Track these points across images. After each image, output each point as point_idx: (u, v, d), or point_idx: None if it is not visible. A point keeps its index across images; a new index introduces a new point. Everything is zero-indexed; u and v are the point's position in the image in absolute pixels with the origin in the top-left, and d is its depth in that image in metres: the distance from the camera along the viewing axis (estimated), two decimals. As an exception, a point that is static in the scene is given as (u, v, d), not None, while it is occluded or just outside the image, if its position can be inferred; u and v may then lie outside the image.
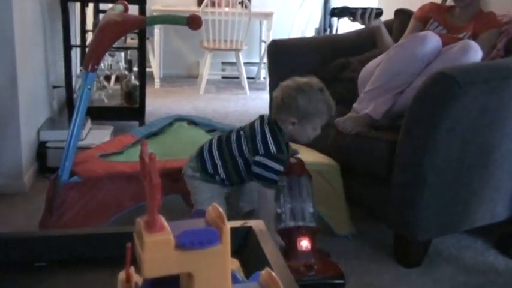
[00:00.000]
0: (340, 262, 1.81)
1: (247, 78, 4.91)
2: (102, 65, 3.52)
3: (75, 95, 3.19)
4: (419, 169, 1.83)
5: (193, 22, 1.81)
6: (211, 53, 4.77)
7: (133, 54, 3.61)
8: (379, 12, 2.37)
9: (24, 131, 2.47)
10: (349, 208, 2.17)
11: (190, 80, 5.31)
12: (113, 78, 4.45)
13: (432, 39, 2.12)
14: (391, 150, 1.94)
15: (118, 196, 1.90)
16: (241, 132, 1.78)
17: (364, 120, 2.15)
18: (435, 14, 2.44)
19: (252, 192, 1.82)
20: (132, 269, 0.71)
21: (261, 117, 1.78)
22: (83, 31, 3.76)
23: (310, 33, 5.43)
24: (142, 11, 3.12)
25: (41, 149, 2.68)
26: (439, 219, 1.93)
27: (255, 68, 5.46)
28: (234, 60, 5.07)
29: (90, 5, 3.86)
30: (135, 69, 3.46)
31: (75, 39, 3.59)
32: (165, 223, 0.63)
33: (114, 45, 2.85)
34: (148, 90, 3.51)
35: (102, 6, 3.77)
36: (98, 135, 2.85)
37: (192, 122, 2.53)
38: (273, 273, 0.70)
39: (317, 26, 5.33)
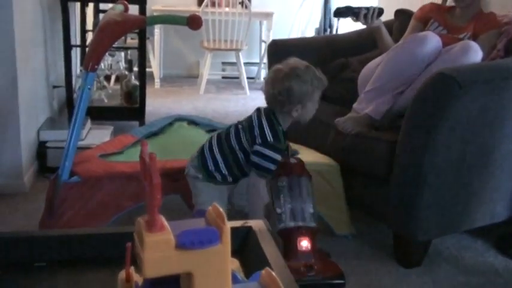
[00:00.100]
0: (340, 262, 1.81)
1: (248, 78, 4.91)
2: (102, 64, 3.52)
3: (75, 95, 3.19)
4: (419, 169, 1.83)
5: (194, 22, 1.81)
6: (212, 53, 4.77)
7: (133, 54, 3.61)
8: (380, 12, 2.37)
9: (24, 130, 2.48)
10: (349, 208, 2.17)
11: (190, 80, 5.31)
12: (113, 78, 4.45)
13: (432, 40, 2.12)
14: (391, 150, 1.94)
15: (118, 196, 1.90)
16: (239, 126, 1.80)
17: (364, 120, 2.15)
18: (435, 14, 2.44)
19: (259, 191, 1.82)
20: (132, 269, 0.71)
21: (258, 109, 1.80)
22: (83, 31, 3.76)
23: (310, 33, 5.43)
24: (142, 10, 3.12)
25: (41, 149, 2.68)
26: (439, 219, 1.93)
27: (255, 68, 5.46)
28: (234, 60, 5.07)
29: (91, 5, 3.86)
30: (135, 69, 3.46)
31: (75, 39, 3.59)
32: (165, 223, 0.63)
33: (114, 45, 2.85)
34: (149, 90, 3.51)
35: (102, 6, 3.77)
36: (98, 135, 2.85)
37: (192, 122, 2.53)
38: (273, 273, 0.70)
39: (317, 26, 5.33)
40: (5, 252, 0.88)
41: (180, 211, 1.94)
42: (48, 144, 2.69)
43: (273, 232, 0.93)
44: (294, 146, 2.08)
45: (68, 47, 3.10)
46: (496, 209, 2.06)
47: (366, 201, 2.17)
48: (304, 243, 1.75)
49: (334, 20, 5.23)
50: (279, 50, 2.65)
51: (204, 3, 4.64)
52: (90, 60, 1.86)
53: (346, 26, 4.89)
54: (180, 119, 2.54)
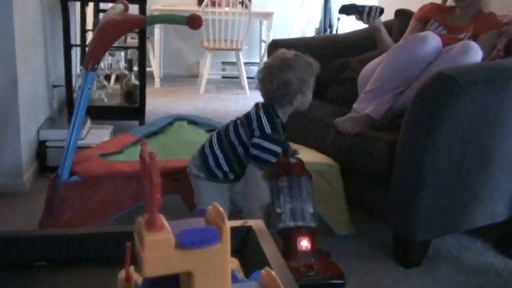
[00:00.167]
0: (340, 262, 1.81)
1: (248, 78, 4.91)
2: (102, 64, 3.52)
3: (75, 95, 3.19)
4: (419, 169, 1.83)
5: (194, 22, 1.81)
6: (212, 52, 4.77)
7: (133, 54, 3.61)
8: (381, 12, 2.38)
9: (24, 130, 2.48)
10: (349, 208, 2.17)
11: (190, 79, 5.31)
12: (113, 77, 4.45)
13: (432, 40, 2.12)
14: (391, 150, 1.94)
15: (118, 195, 1.90)
16: (238, 121, 1.81)
17: (364, 120, 2.15)
18: (435, 14, 2.44)
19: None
20: (132, 268, 0.71)
21: (256, 105, 1.81)
22: (83, 30, 3.76)
23: (310, 33, 5.43)
24: (142, 10, 3.12)
25: (41, 149, 2.68)
26: (438, 220, 1.93)
27: (255, 68, 5.46)
28: (234, 60, 5.07)
29: (91, 5, 3.87)
30: (135, 68, 3.46)
31: (75, 38, 3.59)
32: (165, 222, 0.63)
33: (114, 45, 2.86)
34: (148, 90, 3.51)
35: (102, 5, 3.77)
36: (98, 135, 2.85)
37: (192, 121, 2.54)
38: (273, 273, 0.70)
39: (317, 26, 5.33)
40: (5, 252, 0.88)
41: (180, 211, 1.94)
42: (48, 144, 2.69)
43: (272, 232, 0.93)
44: (294, 146, 2.08)
45: (68, 47, 3.10)
46: (496, 209, 2.06)
47: (366, 201, 2.17)
48: (304, 243, 1.75)
49: (334, 20, 5.23)
50: (279, 50, 2.65)
51: (204, 3, 4.64)
52: (90, 60, 1.86)
53: (346, 26, 4.90)
54: (180, 118, 2.54)
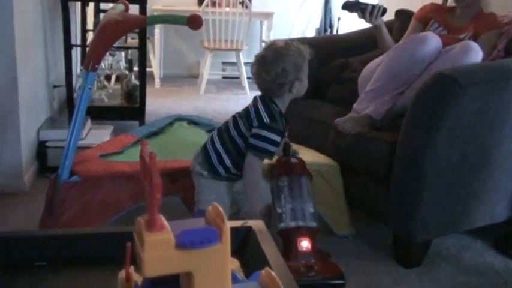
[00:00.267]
0: (340, 262, 1.81)
1: (248, 78, 4.90)
2: (102, 64, 3.52)
3: (75, 95, 3.19)
4: (420, 169, 1.83)
5: (194, 22, 1.81)
6: (212, 52, 4.78)
7: (133, 54, 3.61)
8: (383, 11, 2.38)
9: (24, 130, 2.48)
10: (349, 208, 2.17)
11: (191, 79, 5.31)
12: (113, 77, 4.45)
13: (432, 40, 2.12)
14: (391, 151, 1.94)
15: (118, 196, 1.90)
16: (237, 115, 1.81)
17: (364, 120, 2.15)
18: (436, 14, 2.44)
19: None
20: (132, 269, 0.71)
21: (255, 98, 1.81)
22: (84, 30, 3.76)
23: (310, 33, 5.43)
24: (142, 10, 3.12)
25: (41, 149, 2.68)
26: (438, 220, 1.93)
27: (255, 68, 5.45)
28: (234, 60, 5.07)
29: (91, 5, 3.86)
30: (136, 68, 3.46)
31: (76, 38, 3.59)
32: (165, 222, 0.63)
33: (114, 45, 2.85)
34: (149, 90, 3.51)
35: (102, 5, 3.77)
36: (98, 135, 2.85)
37: (192, 121, 2.54)
38: (273, 273, 0.70)
39: (317, 26, 5.33)
40: (5, 252, 0.88)
41: (180, 212, 1.94)
42: (48, 144, 2.69)
43: (272, 232, 0.93)
44: (294, 146, 2.08)
45: (68, 47, 3.10)
46: (496, 209, 2.06)
47: (365, 201, 2.17)
48: (305, 244, 1.75)
49: (335, 20, 5.23)
50: (279, 50, 2.65)
51: (204, 3, 4.64)
52: (91, 60, 1.86)
53: (346, 26, 4.90)
54: (180, 118, 2.54)
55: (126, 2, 2.04)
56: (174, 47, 5.41)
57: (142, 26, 2.85)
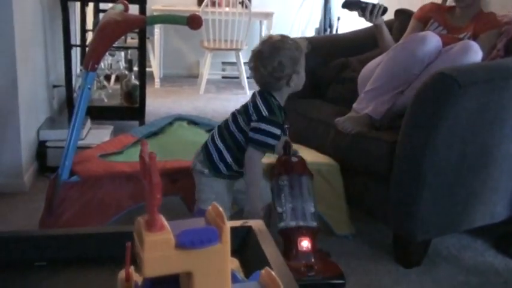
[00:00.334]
0: (340, 262, 1.81)
1: (247, 78, 4.90)
2: (102, 64, 3.52)
3: (75, 95, 3.19)
4: (419, 169, 1.83)
5: (194, 22, 1.81)
6: (212, 52, 4.77)
7: (133, 54, 3.61)
8: (384, 10, 2.38)
9: (24, 130, 2.47)
10: (349, 208, 2.17)
11: (190, 79, 5.31)
12: (113, 77, 4.45)
13: (432, 40, 2.12)
14: (391, 150, 1.94)
15: (118, 196, 1.90)
16: (236, 111, 1.81)
17: (364, 120, 2.15)
18: (435, 14, 2.44)
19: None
20: (132, 269, 0.71)
21: (253, 93, 1.81)
22: (83, 30, 3.76)
23: (310, 33, 5.43)
24: (142, 10, 3.12)
25: (41, 149, 2.68)
26: (438, 219, 1.93)
27: (255, 68, 5.45)
28: (234, 60, 5.07)
29: (91, 5, 3.86)
30: (135, 68, 3.46)
31: (76, 38, 3.59)
32: (165, 222, 0.63)
33: (114, 45, 2.85)
34: (148, 90, 3.51)
35: (102, 5, 3.77)
36: (98, 135, 2.85)
37: (192, 121, 2.54)
38: (273, 273, 0.70)
39: (317, 25, 5.33)
40: (5, 252, 0.88)
41: (180, 212, 1.94)
42: (48, 144, 2.69)
43: (273, 231, 0.93)
44: (294, 145, 2.08)
45: (68, 47, 3.10)
46: (495, 208, 2.06)
47: (365, 201, 2.17)
48: (305, 244, 1.75)
49: (334, 20, 5.23)
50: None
51: (204, 3, 4.64)
52: (90, 60, 1.86)
53: (346, 25, 4.90)
54: (180, 118, 2.54)
55: (126, 2, 2.04)
56: (173, 47, 5.41)
57: (141, 26, 2.84)
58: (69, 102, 3.15)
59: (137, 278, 0.72)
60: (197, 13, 1.88)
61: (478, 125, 1.87)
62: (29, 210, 2.24)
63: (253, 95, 1.79)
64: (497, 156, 1.96)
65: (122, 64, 3.69)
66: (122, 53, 3.72)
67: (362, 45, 2.74)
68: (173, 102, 4.37)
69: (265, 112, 1.71)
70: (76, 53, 3.59)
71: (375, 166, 2.02)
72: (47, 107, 3.05)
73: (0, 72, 2.35)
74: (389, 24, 2.68)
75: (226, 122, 1.82)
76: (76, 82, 3.33)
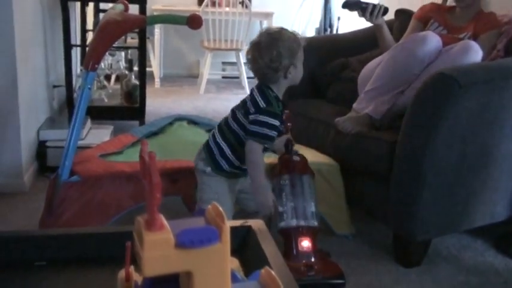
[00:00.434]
0: (340, 262, 1.81)
1: (248, 78, 4.91)
2: (102, 64, 3.52)
3: (75, 95, 3.19)
4: (419, 169, 1.83)
5: (194, 22, 1.81)
6: (212, 52, 4.78)
7: (133, 54, 3.61)
8: (385, 11, 2.38)
9: (24, 130, 2.48)
10: (349, 208, 2.17)
11: (191, 79, 5.31)
12: (113, 77, 4.45)
13: (432, 40, 2.12)
14: (391, 150, 1.94)
15: (118, 196, 1.90)
16: (234, 108, 1.81)
17: (364, 120, 2.15)
18: (435, 14, 2.44)
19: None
20: (131, 268, 0.72)
21: (251, 89, 1.81)
22: (83, 30, 3.76)
23: (310, 33, 5.43)
24: (142, 10, 3.12)
25: (41, 149, 2.68)
26: (438, 219, 1.93)
27: (255, 68, 5.45)
28: (234, 60, 5.08)
29: (91, 4, 3.87)
30: (136, 68, 3.46)
31: (76, 38, 3.59)
32: (165, 222, 0.63)
33: (114, 45, 2.85)
34: (149, 90, 3.51)
35: (102, 5, 3.77)
36: (98, 135, 2.85)
37: (192, 121, 2.54)
38: (273, 273, 0.70)
39: (317, 25, 5.33)
40: (5, 252, 0.88)
41: (180, 211, 1.94)
42: (48, 144, 2.69)
43: (273, 231, 0.93)
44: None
45: (68, 47, 3.10)
46: (495, 208, 2.06)
47: (365, 200, 2.17)
48: (305, 244, 1.75)
49: (335, 20, 5.23)
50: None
51: (204, 3, 4.64)
52: (91, 60, 1.86)
53: (346, 25, 4.90)
54: (180, 118, 2.54)
55: (126, 1, 2.04)
56: (174, 47, 5.41)
57: (142, 26, 2.84)
58: (69, 102, 3.15)
59: (137, 278, 0.72)
60: (197, 13, 1.88)
61: (478, 125, 1.88)
62: (29, 210, 2.24)
63: (251, 90, 1.80)
64: (497, 156, 1.96)
65: (122, 64, 3.70)
66: (122, 53, 3.73)
67: (362, 45, 2.74)
68: (173, 102, 4.37)
69: (262, 104, 1.71)
70: (76, 53, 3.60)
71: (375, 166, 2.02)
72: (47, 107, 3.05)
73: (0, 72, 2.35)
74: (389, 24, 2.68)
75: (226, 119, 1.82)
76: (76, 82, 3.33)
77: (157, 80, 4.94)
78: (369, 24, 2.50)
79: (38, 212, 1.96)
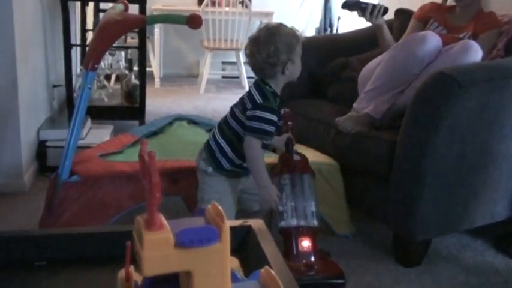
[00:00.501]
0: (340, 262, 1.81)
1: (248, 77, 4.91)
2: (102, 64, 3.52)
3: (75, 94, 3.19)
4: (419, 169, 1.83)
5: (194, 21, 1.81)
6: (212, 52, 4.77)
7: (133, 54, 3.61)
8: (385, 11, 2.38)
9: (24, 130, 2.48)
10: (349, 207, 2.17)
11: (191, 79, 5.31)
12: (113, 77, 4.45)
13: (432, 39, 2.12)
14: (391, 150, 1.94)
15: (118, 196, 1.90)
16: (233, 106, 1.81)
17: (364, 119, 2.15)
18: (435, 13, 2.44)
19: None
20: (131, 268, 0.72)
21: (250, 86, 1.81)
22: (83, 30, 3.76)
23: (310, 32, 5.43)
24: (142, 10, 3.12)
25: (41, 148, 2.68)
26: (438, 219, 1.93)
27: (255, 68, 5.45)
28: (234, 59, 5.07)
29: (91, 4, 3.87)
30: (135, 68, 3.46)
31: (76, 38, 3.59)
32: (165, 221, 0.63)
33: (114, 45, 2.86)
34: (149, 90, 3.51)
35: (102, 5, 3.77)
36: (98, 135, 2.85)
37: (192, 121, 2.54)
38: (273, 272, 0.70)
39: (317, 25, 5.33)
40: (5, 252, 0.88)
41: (180, 211, 1.94)
42: (48, 144, 2.69)
43: (273, 231, 0.93)
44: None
45: (68, 46, 3.10)
46: (496, 208, 2.06)
47: (365, 200, 2.17)
48: (305, 243, 1.75)
49: (335, 20, 5.23)
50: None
51: (204, 3, 4.64)
52: (90, 60, 1.86)
53: (346, 25, 4.90)
54: (180, 118, 2.54)
55: (126, 1, 2.04)
56: (173, 47, 5.41)
57: (141, 26, 2.85)
58: (69, 102, 3.15)
59: (137, 278, 0.72)
60: (197, 13, 1.88)
61: (478, 125, 1.87)
62: (29, 210, 2.24)
63: (250, 87, 1.80)
64: (497, 156, 1.96)
65: (122, 64, 3.69)
66: (122, 53, 3.72)
67: (362, 45, 2.74)
68: (173, 102, 4.37)
69: (259, 99, 1.71)
70: (76, 53, 3.59)
71: (375, 166, 2.02)
72: (47, 107, 3.05)
73: (0, 72, 2.35)
74: (389, 24, 2.68)
75: (225, 117, 1.83)
76: (76, 82, 3.33)
77: (157, 79, 4.94)
78: (369, 24, 2.50)
79: (38, 212, 1.96)
